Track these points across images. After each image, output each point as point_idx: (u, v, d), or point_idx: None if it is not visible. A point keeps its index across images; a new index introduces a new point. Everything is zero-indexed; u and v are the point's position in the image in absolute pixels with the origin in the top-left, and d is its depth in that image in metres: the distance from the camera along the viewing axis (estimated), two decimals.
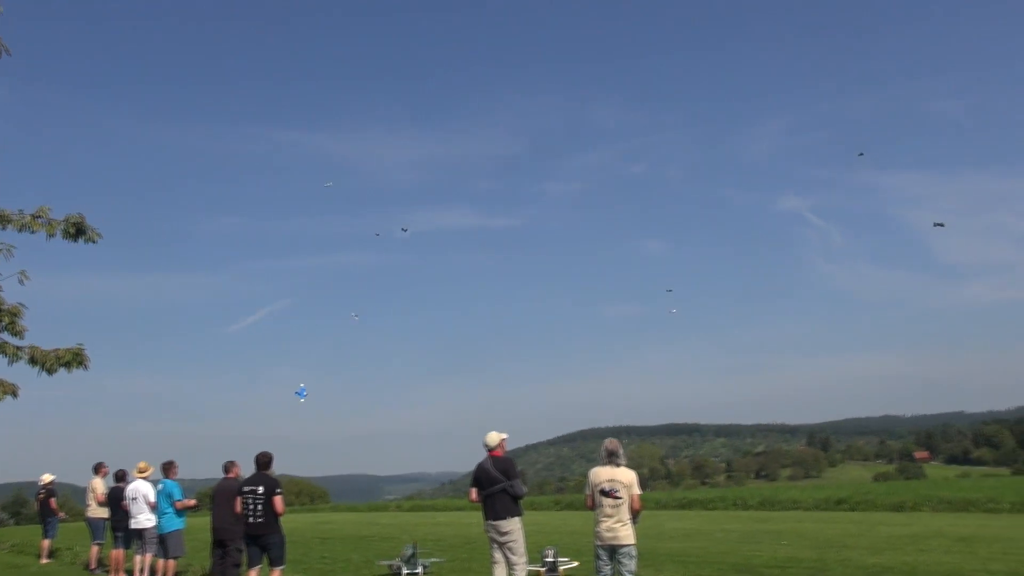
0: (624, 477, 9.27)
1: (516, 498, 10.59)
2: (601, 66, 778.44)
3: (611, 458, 9.38)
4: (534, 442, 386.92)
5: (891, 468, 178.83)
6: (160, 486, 14.48)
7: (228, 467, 12.95)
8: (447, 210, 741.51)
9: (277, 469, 12.11)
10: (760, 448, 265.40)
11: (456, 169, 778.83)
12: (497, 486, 10.53)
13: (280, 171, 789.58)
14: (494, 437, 10.81)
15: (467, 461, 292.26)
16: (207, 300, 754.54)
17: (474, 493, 10.79)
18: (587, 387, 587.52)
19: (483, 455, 10.83)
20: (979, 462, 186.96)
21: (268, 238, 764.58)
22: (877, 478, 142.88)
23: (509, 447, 11.24)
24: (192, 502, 15.11)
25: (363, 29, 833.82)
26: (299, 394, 29.45)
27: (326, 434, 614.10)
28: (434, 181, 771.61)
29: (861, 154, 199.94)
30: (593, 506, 9.46)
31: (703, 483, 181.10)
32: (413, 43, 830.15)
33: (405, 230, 73.70)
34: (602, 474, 9.35)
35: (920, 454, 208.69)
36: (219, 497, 12.77)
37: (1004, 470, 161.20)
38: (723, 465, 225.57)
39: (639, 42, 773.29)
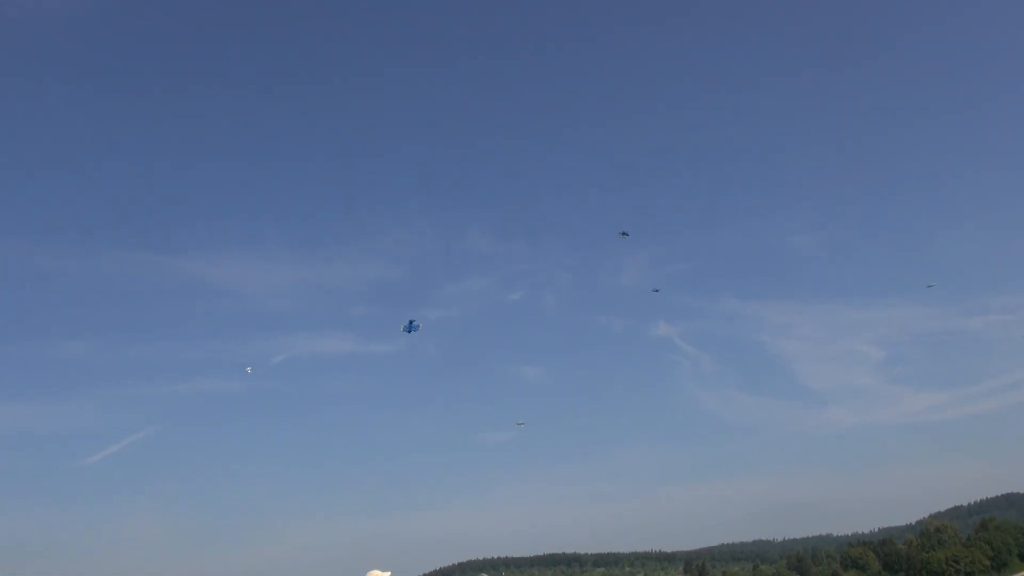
0: None
1: None
2: (478, 195, 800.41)
3: None
4: None
5: None
6: None
7: None
8: (323, 336, 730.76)
9: None
10: None
11: (332, 294, 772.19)
12: None
13: (142, 294, 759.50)
14: None
15: None
16: (59, 429, 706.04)
17: None
18: (466, 517, 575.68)
19: None
20: None
21: (128, 364, 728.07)
22: None
23: None
24: None
25: (235, 149, 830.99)
26: (411, 327, 28.05)
27: (188, 572, 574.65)
28: (309, 306, 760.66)
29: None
30: None
31: None
32: (288, 166, 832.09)
33: (249, 370, 71.41)
34: None
35: None
36: None
37: None
38: None
39: (515, 174, 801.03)
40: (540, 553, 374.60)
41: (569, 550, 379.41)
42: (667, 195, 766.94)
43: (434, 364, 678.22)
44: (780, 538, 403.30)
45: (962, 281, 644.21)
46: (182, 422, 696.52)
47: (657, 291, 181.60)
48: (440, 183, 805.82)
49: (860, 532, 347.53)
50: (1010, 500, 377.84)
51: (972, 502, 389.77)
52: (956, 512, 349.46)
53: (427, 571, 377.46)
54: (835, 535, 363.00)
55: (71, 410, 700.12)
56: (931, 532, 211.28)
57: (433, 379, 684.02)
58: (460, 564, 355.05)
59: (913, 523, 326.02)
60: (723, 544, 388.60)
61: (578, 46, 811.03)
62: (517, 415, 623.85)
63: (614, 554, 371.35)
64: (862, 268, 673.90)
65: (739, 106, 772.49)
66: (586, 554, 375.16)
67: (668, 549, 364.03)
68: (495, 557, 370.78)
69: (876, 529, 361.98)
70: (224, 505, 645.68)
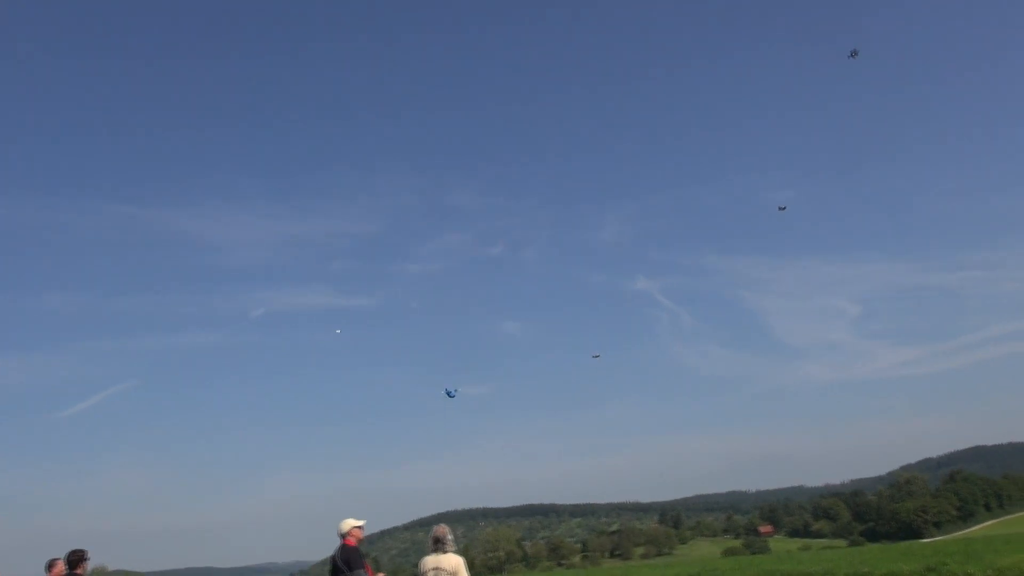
0: (449, 564, 9.20)
1: None
2: (459, 149, 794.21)
3: (437, 545, 9.33)
4: (389, 527, 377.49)
5: (738, 543, 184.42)
6: None
7: (51, 565, 12.02)
8: (303, 290, 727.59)
9: (110, 564, 11.32)
10: (615, 527, 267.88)
11: (312, 248, 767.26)
12: None
13: (122, 247, 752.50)
14: (345, 524, 10.54)
15: (322, 549, 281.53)
16: (35, 383, 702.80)
17: None
18: (444, 469, 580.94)
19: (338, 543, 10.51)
20: (818, 535, 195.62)
21: (110, 317, 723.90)
22: (725, 553, 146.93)
23: (365, 533, 10.95)
24: None
25: (217, 103, 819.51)
26: (450, 393, 28.01)
27: (167, 524, 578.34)
28: (289, 260, 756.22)
29: (782, 208, 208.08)
30: None
31: (559, 564, 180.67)
32: (271, 118, 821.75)
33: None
34: (428, 563, 9.27)
35: (764, 528, 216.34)
36: None
37: (841, 541, 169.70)
38: (578, 546, 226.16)
39: (495, 130, 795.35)
40: (518, 504, 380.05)
41: (547, 501, 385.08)
42: (648, 152, 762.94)
43: (414, 318, 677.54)
44: (754, 489, 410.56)
45: (939, 237, 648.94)
46: (161, 375, 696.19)
47: (783, 208, 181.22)
48: (421, 138, 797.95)
49: (832, 484, 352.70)
50: (978, 453, 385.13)
51: (941, 454, 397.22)
52: (926, 464, 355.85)
53: (405, 522, 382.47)
54: (808, 487, 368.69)
55: (51, 363, 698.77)
56: (901, 483, 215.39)
57: (412, 333, 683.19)
58: (437, 515, 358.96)
59: (884, 475, 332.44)
60: (698, 495, 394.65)
61: (561, 7, 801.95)
62: (496, 369, 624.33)
63: (591, 505, 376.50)
64: (840, 225, 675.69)
65: (721, 67, 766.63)
66: (563, 505, 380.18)
67: (644, 500, 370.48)
68: (473, 508, 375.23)
69: (848, 481, 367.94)
70: (202, 458, 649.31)
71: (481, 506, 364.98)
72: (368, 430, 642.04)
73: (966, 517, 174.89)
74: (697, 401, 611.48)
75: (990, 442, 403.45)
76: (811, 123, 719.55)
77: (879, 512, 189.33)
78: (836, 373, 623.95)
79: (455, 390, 28.88)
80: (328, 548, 11.65)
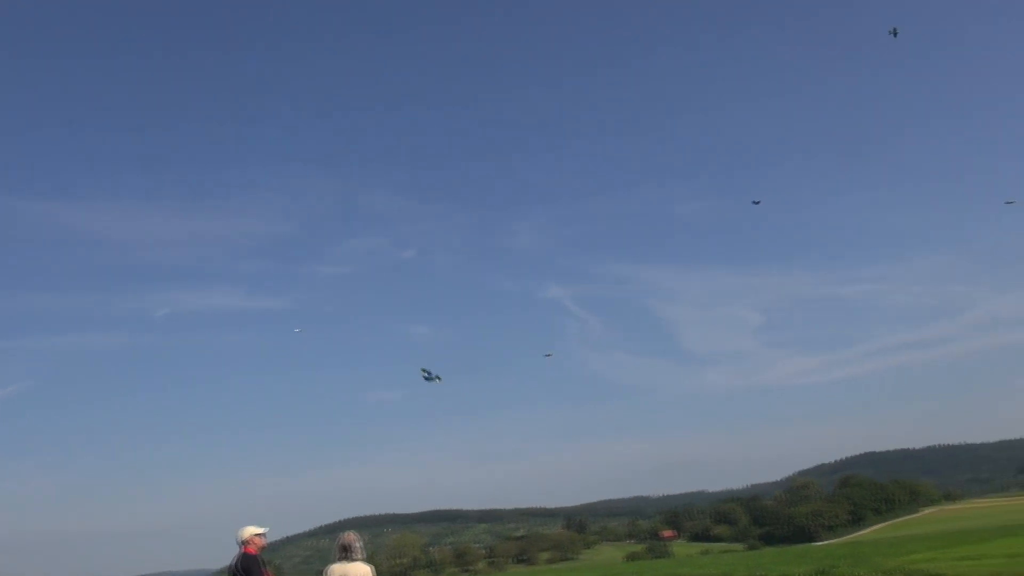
0: (357, 573, 9.06)
1: None
2: (375, 151, 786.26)
3: (345, 553, 9.17)
4: (293, 534, 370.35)
5: (641, 548, 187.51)
6: None
7: None
8: (210, 290, 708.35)
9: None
10: (521, 532, 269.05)
11: (220, 247, 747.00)
12: None
13: (14, 242, 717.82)
14: (245, 531, 10.34)
15: (222, 557, 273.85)
16: None
17: None
18: (351, 475, 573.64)
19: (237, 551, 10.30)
20: (718, 539, 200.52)
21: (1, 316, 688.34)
22: (628, 558, 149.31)
23: (267, 540, 10.75)
24: None
25: (123, 97, 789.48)
26: (429, 376, 26.84)
27: (60, 531, 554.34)
28: (196, 259, 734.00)
29: (756, 202, 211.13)
30: None
31: (465, 570, 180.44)
32: (178, 114, 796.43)
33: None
34: (335, 571, 9.12)
35: (666, 533, 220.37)
36: None
37: (739, 545, 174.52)
38: (484, 551, 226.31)
39: (411, 133, 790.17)
40: (425, 510, 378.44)
41: (454, 507, 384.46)
42: (562, 160, 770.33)
43: (326, 321, 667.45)
44: (658, 494, 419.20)
45: (836, 250, 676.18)
46: (58, 377, 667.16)
47: (757, 202, 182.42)
48: (336, 138, 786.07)
49: (732, 489, 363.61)
50: (870, 459, 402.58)
51: (835, 460, 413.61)
52: (821, 470, 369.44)
53: (309, 528, 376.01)
54: (709, 491, 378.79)
55: None
56: (797, 488, 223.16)
57: (323, 336, 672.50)
58: (342, 521, 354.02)
59: (781, 480, 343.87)
60: (603, 500, 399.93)
61: (475, 14, 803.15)
62: (406, 374, 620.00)
63: (498, 510, 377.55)
64: (744, 237, 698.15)
65: (634, 79, 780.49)
66: (470, 510, 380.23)
67: (551, 506, 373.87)
68: (379, 514, 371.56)
69: (748, 485, 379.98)
70: (99, 463, 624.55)
71: (387, 512, 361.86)
72: (274, 434, 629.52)
73: (857, 520, 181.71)
74: (605, 408, 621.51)
75: (880, 448, 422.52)
76: (717, 135, 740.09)
77: (776, 516, 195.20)
78: (739, 380, 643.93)
79: (434, 374, 28.37)
80: (228, 556, 11.36)
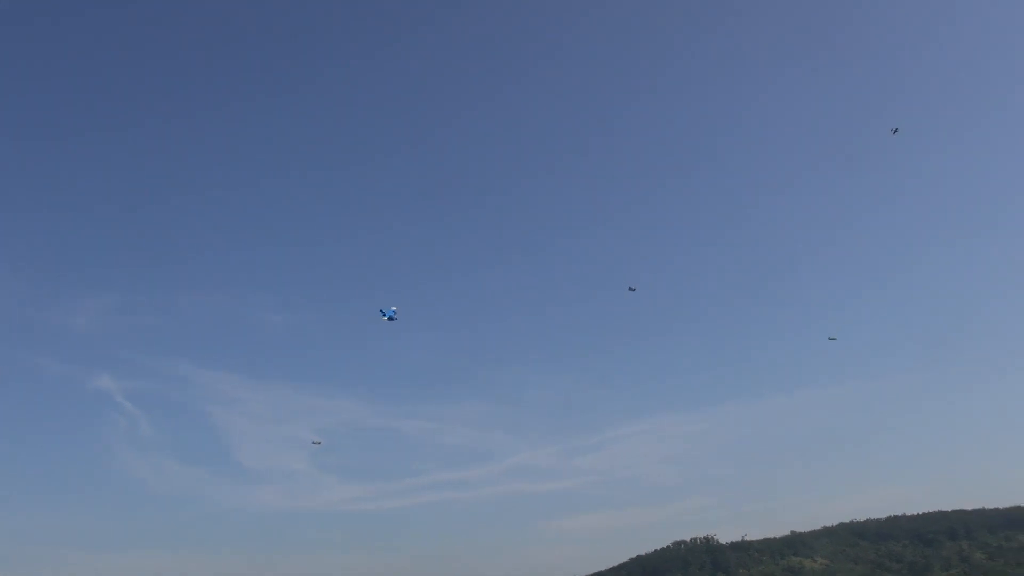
0: None
1: None
2: None
3: None
4: None
5: None
6: None
7: None
8: None
9: None
10: None
11: None
12: None
13: None
14: None
15: None
16: None
17: None
18: None
19: None
20: None
21: None
22: None
23: None
24: None
25: None
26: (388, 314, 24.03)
27: None
28: None
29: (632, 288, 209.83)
30: None
31: None
32: None
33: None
34: None
35: None
36: None
37: None
38: None
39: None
40: None
41: None
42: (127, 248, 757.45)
43: None
44: None
45: (404, 385, 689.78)
46: None
47: (632, 289, 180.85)
48: None
49: None
50: None
51: None
52: None
53: None
54: None
55: None
56: None
57: None
58: None
59: None
60: None
61: None
62: None
63: None
64: (320, 359, 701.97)
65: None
66: None
67: None
68: None
69: None
70: None
71: None
72: None
73: None
74: (139, 515, 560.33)
75: None
76: (300, 256, 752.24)
77: None
78: (288, 501, 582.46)
79: (392, 311, 26.38)
80: None
